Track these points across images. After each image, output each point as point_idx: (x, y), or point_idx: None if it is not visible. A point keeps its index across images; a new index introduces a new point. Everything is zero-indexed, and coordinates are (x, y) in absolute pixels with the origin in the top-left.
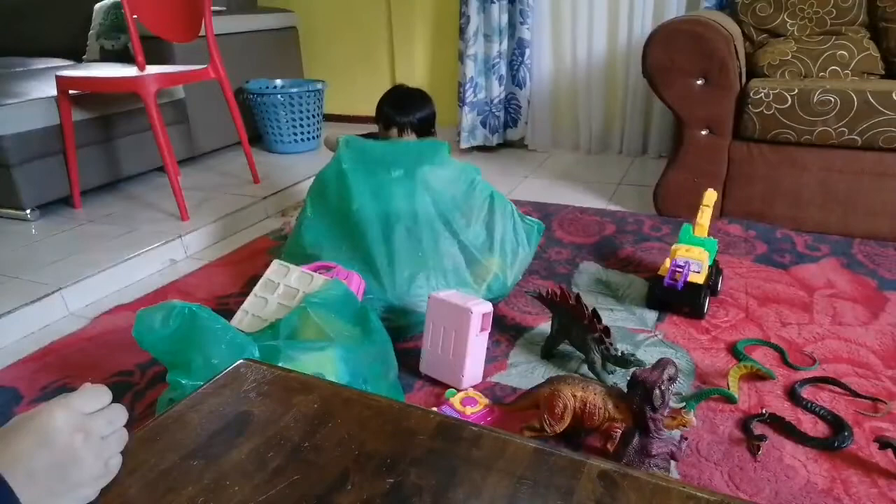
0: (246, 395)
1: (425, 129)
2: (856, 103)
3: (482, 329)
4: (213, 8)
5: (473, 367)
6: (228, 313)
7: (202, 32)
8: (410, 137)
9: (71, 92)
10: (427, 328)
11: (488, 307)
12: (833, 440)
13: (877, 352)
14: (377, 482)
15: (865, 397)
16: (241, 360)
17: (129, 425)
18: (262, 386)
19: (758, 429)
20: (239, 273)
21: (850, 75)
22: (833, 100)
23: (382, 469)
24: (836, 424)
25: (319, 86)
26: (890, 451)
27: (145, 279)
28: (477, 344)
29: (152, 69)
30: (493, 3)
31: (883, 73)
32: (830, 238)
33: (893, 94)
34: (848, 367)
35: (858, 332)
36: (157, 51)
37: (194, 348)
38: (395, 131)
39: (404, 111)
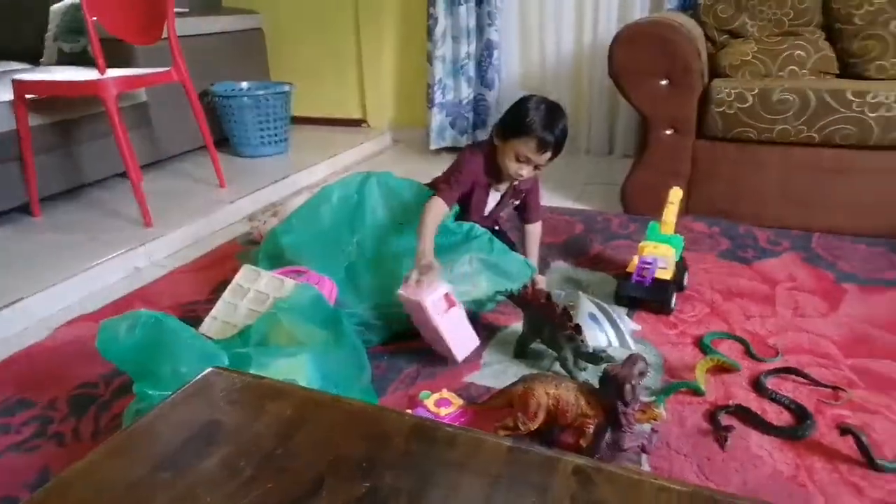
0: (216, 403)
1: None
2: (814, 102)
3: (448, 308)
4: (175, 9)
5: (460, 340)
6: (196, 321)
7: (164, 34)
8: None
9: (28, 96)
10: (411, 317)
11: (441, 289)
12: (797, 429)
13: (836, 342)
14: (353, 486)
15: (827, 386)
16: (211, 369)
17: (95, 438)
18: (233, 394)
19: (725, 420)
20: (206, 279)
21: (807, 74)
22: (792, 99)
23: (358, 473)
24: (800, 413)
25: (287, 88)
26: (850, 438)
27: (108, 288)
28: (449, 322)
29: (113, 72)
30: (461, 4)
31: (838, 72)
32: (791, 233)
33: (848, 93)
34: (810, 357)
35: (819, 323)
36: (117, 53)
37: (162, 358)
38: (547, 156)
39: (556, 129)
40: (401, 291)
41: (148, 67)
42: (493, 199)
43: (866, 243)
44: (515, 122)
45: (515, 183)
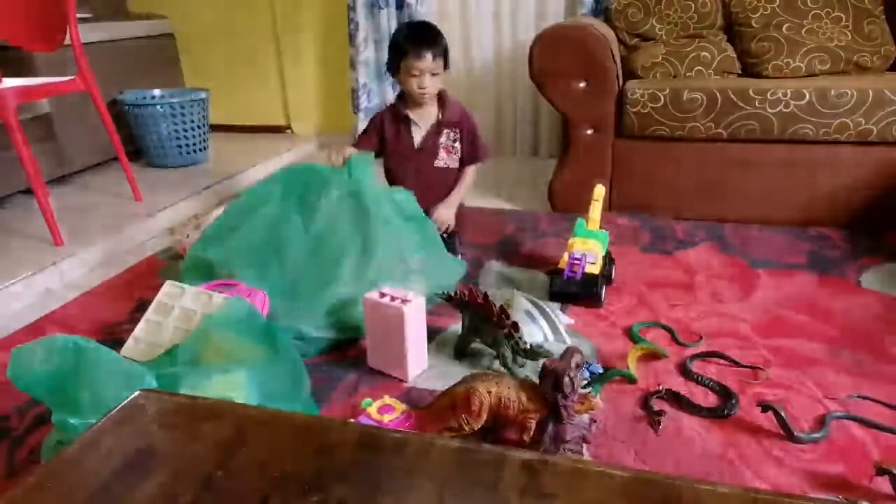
0: (147, 428)
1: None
2: (720, 100)
3: (418, 322)
4: (77, 15)
5: (417, 358)
6: (117, 343)
7: (67, 41)
8: (439, 68)
9: None
10: (367, 327)
11: (420, 301)
12: (723, 409)
13: (752, 324)
14: (301, 503)
15: (746, 366)
16: (139, 392)
17: (11, 477)
18: (166, 417)
19: (657, 405)
20: (126, 299)
21: (712, 74)
22: (700, 98)
23: (305, 488)
24: (724, 394)
25: (203, 95)
26: (771, 413)
27: (17, 313)
28: (415, 337)
29: (11, 82)
30: (381, 9)
31: (740, 72)
32: (705, 224)
33: (750, 91)
34: (729, 340)
35: (736, 307)
36: (15, 62)
37: (82, 384)
38: (428, 57)
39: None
40: (370, 297)
41: (49, 76)
42: (418, 132)
43: (774, 231)
44: (392, 52)
45: (440, 118)
